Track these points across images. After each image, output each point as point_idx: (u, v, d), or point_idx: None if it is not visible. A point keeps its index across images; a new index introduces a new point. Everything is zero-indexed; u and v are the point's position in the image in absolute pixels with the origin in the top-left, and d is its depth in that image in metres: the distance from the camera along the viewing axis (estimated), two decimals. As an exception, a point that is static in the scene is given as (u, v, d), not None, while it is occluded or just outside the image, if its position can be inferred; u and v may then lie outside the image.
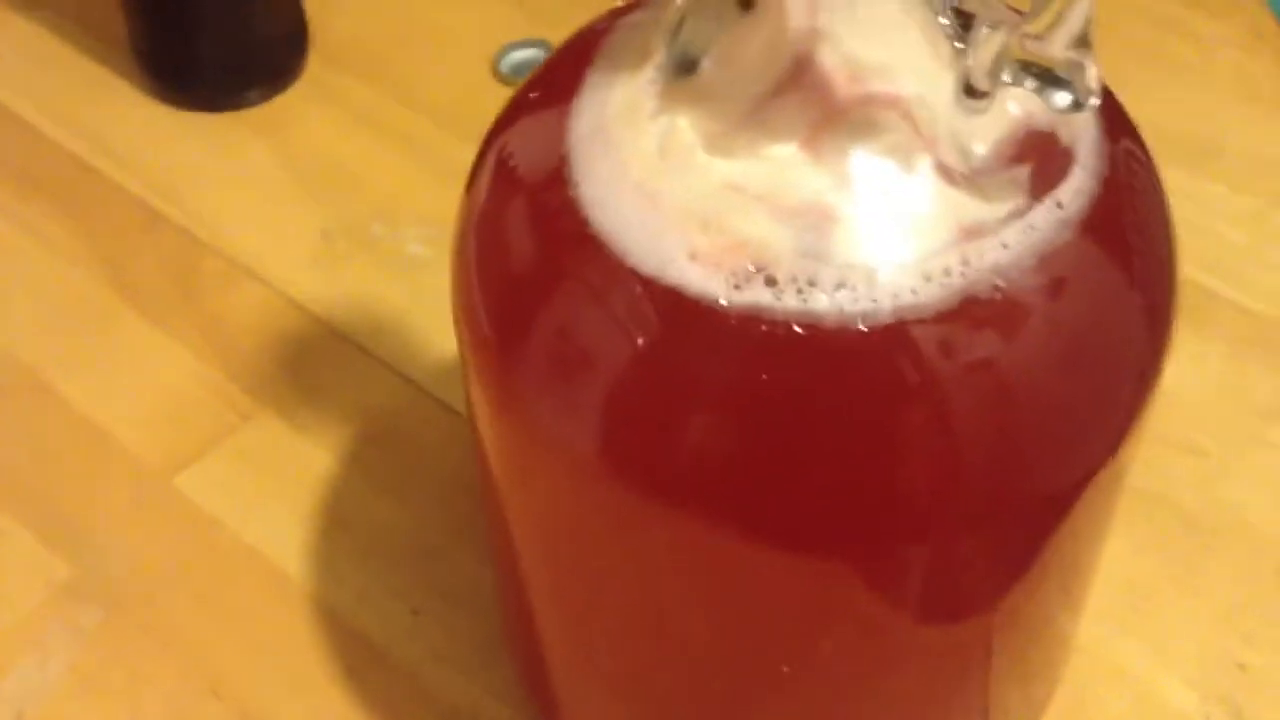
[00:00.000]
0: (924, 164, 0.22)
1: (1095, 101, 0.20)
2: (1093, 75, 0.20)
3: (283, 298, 0.42)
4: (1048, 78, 0.20)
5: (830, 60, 0.22)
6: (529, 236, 0.23)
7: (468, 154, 0.26)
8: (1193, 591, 0.35)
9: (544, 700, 0.30)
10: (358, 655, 0.34)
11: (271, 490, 0.37)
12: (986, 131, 0.22)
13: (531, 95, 0.25)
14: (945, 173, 0.22)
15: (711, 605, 0.24)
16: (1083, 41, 0.20)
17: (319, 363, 0.40)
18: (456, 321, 0.24)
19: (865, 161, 0.22)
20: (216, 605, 0.35)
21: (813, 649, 0.24)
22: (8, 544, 0.36)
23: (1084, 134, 0.23)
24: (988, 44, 0.21)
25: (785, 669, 0.24)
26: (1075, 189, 0.22)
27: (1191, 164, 0.44)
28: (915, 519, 0.21)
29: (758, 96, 0.22)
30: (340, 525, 0.37)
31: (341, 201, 0.44)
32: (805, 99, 0.22)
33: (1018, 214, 0.21)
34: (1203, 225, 0.43)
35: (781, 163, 0.22)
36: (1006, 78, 0.21)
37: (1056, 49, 0.20)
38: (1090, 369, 0.22)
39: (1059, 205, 0.22)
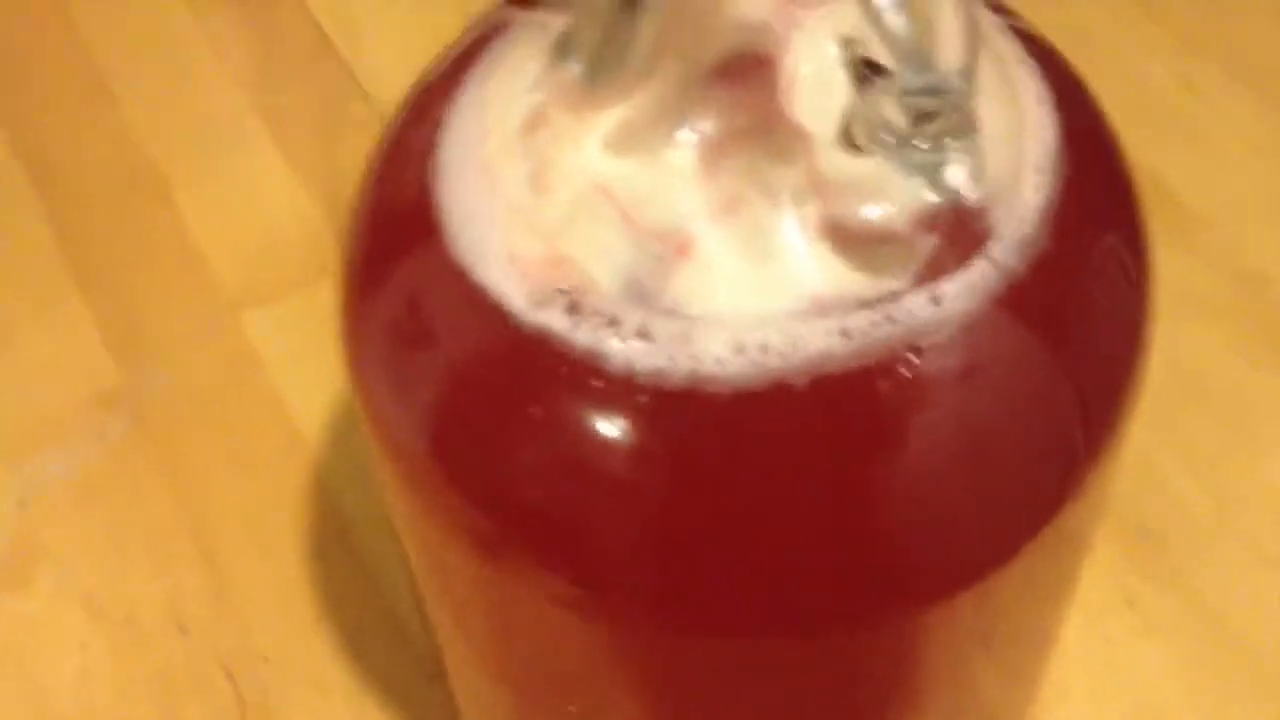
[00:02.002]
0: (805, 213, 0.18)
1: (953, 203, 0.16)
2: (955, 172, 0.16)
3: (405, 160, 0.41)
4: (922, 159, 0.17)
5: (789, 65, 0.19)
6: (392, 192, 0.21)
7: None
8: None
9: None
10: (331, 537, 0.34)
11: (321, 351, 0.37)
12: (905, 191, 0.18)
13: (473, 26, 0.23)
14: (829, 229, 0.18)
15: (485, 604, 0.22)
16: (943, 123, 0.16)
17: (412, 234, 0.40)
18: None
19: (753, 194, 0.19)
20: (230, 447, 0.36)
21: (602, 695, 0.22)
22: (75, 338, 0.38)
23: (1019, 222, 0.19)
24: (872, 101, 0.17)
25: (572, 709, 0.22)
26: (966, 285, 0.18)
27: None
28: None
29: (684, 81, 0.19)
30: (368, 402, 0.36)
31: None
32: (740, 100, 0.19)
33: (884, 300, 0.18)
34: None
35: (671, 172, 0.19)
36: (883, 146, 0.17)
37: (899, 119, 0.16)
38: (919, 502, 0.18)
39: (934, 301, 0.18)
